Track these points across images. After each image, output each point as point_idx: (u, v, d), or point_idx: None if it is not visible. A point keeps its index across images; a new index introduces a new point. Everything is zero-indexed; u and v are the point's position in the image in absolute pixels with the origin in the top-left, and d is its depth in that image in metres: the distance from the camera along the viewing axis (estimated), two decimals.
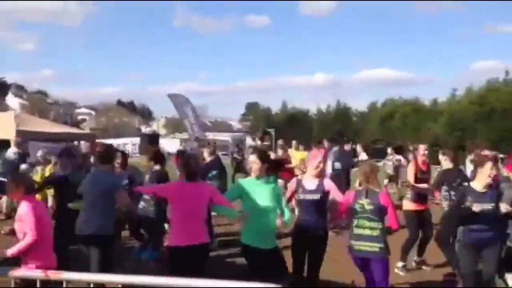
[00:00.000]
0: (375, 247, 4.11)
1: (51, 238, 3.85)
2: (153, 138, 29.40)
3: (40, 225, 3.64)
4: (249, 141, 38.38)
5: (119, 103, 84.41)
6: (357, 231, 4.18)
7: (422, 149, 6.33)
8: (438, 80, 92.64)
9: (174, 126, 53.57)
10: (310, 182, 4.49)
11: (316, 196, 4.40)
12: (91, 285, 2.49)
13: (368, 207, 4.15)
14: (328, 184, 4.53)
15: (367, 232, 4.14)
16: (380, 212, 4.15)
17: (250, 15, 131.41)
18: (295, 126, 36.42)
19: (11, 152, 8.66)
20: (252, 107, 63.67)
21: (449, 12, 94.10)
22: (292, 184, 4.68)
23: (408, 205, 5.99)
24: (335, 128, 35.43)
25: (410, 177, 5.94)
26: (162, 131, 56.97)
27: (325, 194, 4.45)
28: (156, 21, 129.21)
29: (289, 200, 4.73)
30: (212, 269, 4.26)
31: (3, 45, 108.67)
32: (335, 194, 4.50)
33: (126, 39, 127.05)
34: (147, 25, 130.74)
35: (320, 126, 37.37)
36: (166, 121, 66.19)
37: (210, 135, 22.93)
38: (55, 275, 2.41)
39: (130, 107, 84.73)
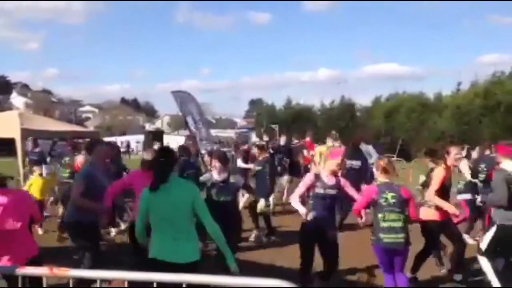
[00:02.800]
0: (401, 238, 4.29)
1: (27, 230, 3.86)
2: (157, 136, 29.44)
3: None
4: (253, 137, 38.37)
5: (123, 101, 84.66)
6: (384, 224, 4.33)
7: (454, 152, 5.22)
8: (442, 73, 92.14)
9: (178, 124, 53.62)
10: (328, 178, 4.69)
11: (334, 192, 4.66)
12: (98, 282, 2.49)
13: (392, 200, 4.35)
14: (343, 181, 4.78)
15: (394, 224, 4.32)
16: (402, 204, 4.36)
17: (251, 12, 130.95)
18: (299, 122, 36.31)
19: None
20: (256, 104, 63.59)
21: (453, 5, 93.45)
22: (309, 179, 4.73)
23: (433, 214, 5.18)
24: (339, 123, 35.31)
25: (436, 185, 5.03)
26: (166, 129, 57.01)
27: (340, 190, 4.74)
28: (158, 18, 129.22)
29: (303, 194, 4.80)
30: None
31: (7, 44, 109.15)
32: (350, 191, 4.79)
33: (129, 37, 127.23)
34: (150, 22, 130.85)
35: (324, 121, 37.24)
36: (170, 119, 66.27)
37: (214, 132, 22.92)
38: (60, 272, 2.40)
39: (134, 105, 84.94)
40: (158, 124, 68.92)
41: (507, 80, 29.76)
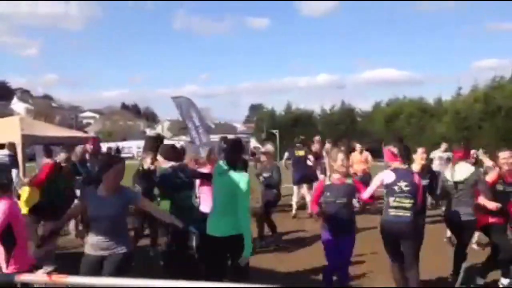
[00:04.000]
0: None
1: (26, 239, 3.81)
2: (157, 141, 29.35)
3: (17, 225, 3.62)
4: (253, 142, 38.35)
5: (124, 106, 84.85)
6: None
7: (507, 157, 5.08)
8: (442, 79, 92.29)
9: (179, 129, 53.63)
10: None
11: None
12: None
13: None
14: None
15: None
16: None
17: (249, 17, 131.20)
18: (299, 127, 36.35)
19: (1, 154, 8.64)
20: (256, 109, 63.67)
21: (452, 11, 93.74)
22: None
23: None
24: (340, 128, 35.34)
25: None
26: (167, 134, 57.06)
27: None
28: (157, 24, 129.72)
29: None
30: None
31: (5, 50, 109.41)
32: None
33: (129, 42, 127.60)
34: (149, 28, 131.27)
35: (324, 126, 37.27)
36: (171, 124, 66.32)
37: (213, 138, 22.94)
38: (59, 279, 2.41)
39: (134, 110, 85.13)
40: (158, 129, 68.98)
41: (507, 84, 29.78)
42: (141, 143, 38.13)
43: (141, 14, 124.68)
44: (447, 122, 30.73)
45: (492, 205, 4.85)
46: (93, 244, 3.71)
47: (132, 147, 41.87)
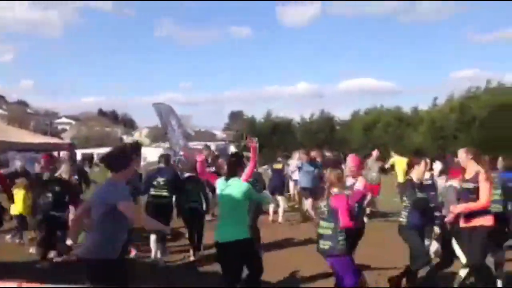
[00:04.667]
0: (326, 245, 4.49)
1: None
2: (135, 148, 28.94)
3: None
4: (232, 150, 38.19)
5: (101, 112, 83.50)
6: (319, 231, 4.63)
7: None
8: (419, 89, 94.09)
9: (158, 136, 53.09)
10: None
11: None
12: None
13: (325, 208, 4.56)
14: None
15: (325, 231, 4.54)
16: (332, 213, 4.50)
17: (231, 26, 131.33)
18: (278, 135, 36.43)
19: None
20: (236, 117, 63.58)
21: (429, 23, 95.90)
22: None
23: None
24: (319, 136, 35.54)
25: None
26: (145, 141, 56.40)
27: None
28: (138, 31, 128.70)
29: None
30: None
31: None
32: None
33: (108, 48, 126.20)
34: (130, 35, 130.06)
35: (303, 135, 37.47)
36: (149, 131, 65.60)
37: (193, 145, 22.76)
38: (31, 286, 2.29)
39: (112, 116, 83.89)
40: (136, 136, 68.13)
41: (482, 95, 30.48)
42: None
43: (122, 21, 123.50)
44: (423, 131, 31.24)
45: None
46: None
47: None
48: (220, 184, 4.50)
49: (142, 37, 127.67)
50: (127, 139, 59.99)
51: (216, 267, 5.39)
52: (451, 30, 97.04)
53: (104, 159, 3.94)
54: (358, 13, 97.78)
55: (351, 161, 5.58)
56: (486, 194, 4.83)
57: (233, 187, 4.35)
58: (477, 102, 29.59)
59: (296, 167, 10.90)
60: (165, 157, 7.66)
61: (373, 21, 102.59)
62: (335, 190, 4.58)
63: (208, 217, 8.09)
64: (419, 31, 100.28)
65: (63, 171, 7.25)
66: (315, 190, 9.65)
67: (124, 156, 3.84)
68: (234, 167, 4.51)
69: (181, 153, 11.74)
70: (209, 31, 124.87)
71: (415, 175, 5.16)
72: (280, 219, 10.38)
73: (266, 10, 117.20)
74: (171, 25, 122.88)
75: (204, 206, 7.10)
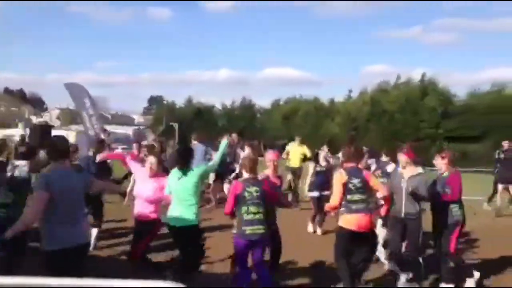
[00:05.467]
0: (261, 229, 4.45)
1: None
2: (45, 130, 27.17)
3: None
4: (150, 134, 37.23)
5: (7, 91, 77.01)
6: (247, 217, 4.46)
7: None
8: (336, 80, 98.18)
9: (70, 117, 50.19)
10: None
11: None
12: None
13: (255, 193, 4.49)
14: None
15: (256, 216, 4.46)
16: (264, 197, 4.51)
17: (150, 7, 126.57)
18: (200, 121, 36.17)
19: None
20: (155, 101, 62.02)
21: (347, 17, 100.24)
22: None
23: None
24: (240, 124, 35.82)
25: None
26: (55, 123, 53.08)
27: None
28: (51, 6, 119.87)
29: None
30: None
31: None
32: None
33: (17, 23, 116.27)
34: (41, 8, 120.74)
35: (225, 121, 37.58)
36: (61, 112, 61.83)
37: (110, 128, 21.81)
38: None
39: (19, 95, 77.73)
40: (46, 117, 63.88)
41: (392, 90, 32.59)
42: (26, 131, 35.04)
43: None
44: (339, 122, 32.75)
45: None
46: None
47: (16, 136, 38.22)
48: (176, 175, 4.75)
49: (55, 11, 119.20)
50: (36, 120, 56.00)
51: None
52: (366, 26, 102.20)
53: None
54: (278, 4, 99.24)
55: (270, 154, 5.59)
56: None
57: (188, 177, 4.71)
58: (387, 96, 31.61)
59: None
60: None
61: (296, 11, 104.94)
62: (245, 174, 4.64)
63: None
64: (336, 25, 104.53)
65: None
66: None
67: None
68: (184, 160, 4.81)
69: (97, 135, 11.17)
70: (127, 10, 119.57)
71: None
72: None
73: None
74: (88, 1, 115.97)
75: None
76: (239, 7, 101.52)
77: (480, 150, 26.96)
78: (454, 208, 5.03)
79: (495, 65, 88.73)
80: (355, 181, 4.65)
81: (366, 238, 4.68)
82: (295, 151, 11.13)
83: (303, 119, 35.00)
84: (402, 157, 5.14)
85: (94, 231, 6.75)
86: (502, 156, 10.78)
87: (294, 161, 10.92)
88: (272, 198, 4.65)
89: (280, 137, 32.80)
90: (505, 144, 10.86)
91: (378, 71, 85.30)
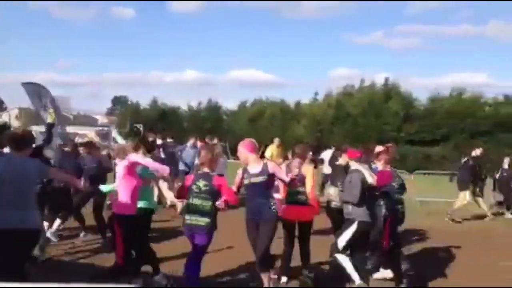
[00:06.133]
0: (199, 221, 4.67)
1: None
2: (3, 131, 26.22)
3: None
4: (115, 136, 36.40)
5: None
6: (190, 207, 4.74)
7: None
8: (302, 83, 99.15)
9: (30, 118, 48.50)
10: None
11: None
12: None
13: (203, 188, 4.70)
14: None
15: (198, 208, 4.70)
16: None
17: (114, 6, 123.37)
18: (165, 122, 35.74)
19: None
20: (119, 102, 60.89)
21: (313, 22, 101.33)
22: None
23: None
24: (206, 126, 35.61)
25: None
26: (14, 123, 51.19)
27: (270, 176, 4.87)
28: (10, 4, 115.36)
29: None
30: None
31: None
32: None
33: None
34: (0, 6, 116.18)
35: (191, 123, 37.29)
36: (20, 112, 59.66)
37: (72, 129, 21.21)
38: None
39: None
40: (5, 117, 61.50)
41: (356, 93, 33.24)
42: None
43: None
44: (304, 124, 33.08)
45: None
46: None
47: None
48: None
49: (14, 9, 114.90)
50: None
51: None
52: (331, 29, 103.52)
53: None
54: (243, 5, 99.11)
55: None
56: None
57: None
58: (351, 100, 32.20)
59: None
60: None
61: (258, 15, 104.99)
62: (205, 169, 4.82)
63: None
64: (303, 28, 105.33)
65: None
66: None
67: None
68: None
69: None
70: (90, 9, 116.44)
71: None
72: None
73: None
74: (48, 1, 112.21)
75: None
76: (205, 8, 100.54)
77: (440, 153, 27.85)
78: (381, 203, 5.43)
79: (456, 70, 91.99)
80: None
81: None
82: (277, 153, 11.69)
83: (269, 121, 35.17)
84: (344, 156, 5.84)
85: (57, 222, 6.61)
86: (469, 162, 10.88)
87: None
88: (227, 196, 4.72)
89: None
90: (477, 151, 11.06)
91: (343, 75, 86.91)
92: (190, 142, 11.50)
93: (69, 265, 5.96)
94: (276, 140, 12.50)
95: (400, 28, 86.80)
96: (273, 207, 4.77)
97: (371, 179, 5.13)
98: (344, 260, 5.11)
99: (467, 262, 6.76)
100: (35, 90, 11.31)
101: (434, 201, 12.89)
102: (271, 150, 12.12)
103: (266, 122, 35.33)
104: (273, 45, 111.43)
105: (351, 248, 5.22)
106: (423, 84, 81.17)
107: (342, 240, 5.16)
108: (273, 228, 4.75)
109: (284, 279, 5.48)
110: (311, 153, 6.83)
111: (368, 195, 5.16)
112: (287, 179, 4.95)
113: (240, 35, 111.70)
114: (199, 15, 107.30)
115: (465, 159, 11.02)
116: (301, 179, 5.30)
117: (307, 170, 5.40)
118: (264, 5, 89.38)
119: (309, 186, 5.35)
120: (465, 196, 10.53)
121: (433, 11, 76.22)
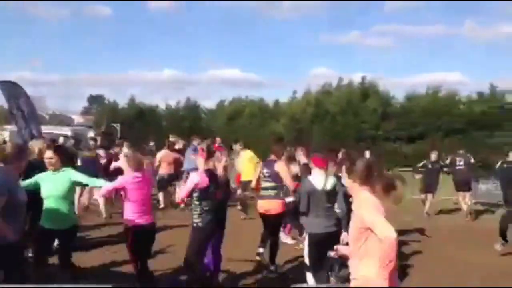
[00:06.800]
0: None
1: None
2: None
3: None
4: (91, 135, 35.81)
5: None
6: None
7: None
8: (281, 82, 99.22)
9: (2, 118, 47.31)
10: None
11: None
12: None
13: None
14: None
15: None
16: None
17: (89, 5, 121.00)
18: (143, 122, 35.36)
19: None
20: (96, 100, 59.86)
21: (292, 21, 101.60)
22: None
23: None
24: (184, 125, 35.36)
25: None
26: None
27: None
28: None
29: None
30: None
31: None
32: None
33: None
34: None
35: (169, 122, 36.97)
36: None
37: (47, 129, 20.79)
38: None
39: None
40: None
41: (334, 92, 33.51)
42: None
43: None
44: (283, 123, 33.17)
45: None
46: None
47: None
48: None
49: None
50: None
51: None
52: (310, 29, 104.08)
53: None
54: (223, 4, 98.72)
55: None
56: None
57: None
58: (330, 98, 32.44)
59: None
60: None
61: (237, 14, 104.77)
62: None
63: None
64: (281, 27, 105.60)
65: None
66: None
67: None
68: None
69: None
70: (65, 7, 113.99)
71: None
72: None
73: None
74: None
75: None
76: (183, 6, 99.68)
77: (416, 150, 28.35)
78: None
79: (431, 69, 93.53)
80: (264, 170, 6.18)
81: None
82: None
83: (248, 120, 35.15)
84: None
85: None
86: (429, 165, 11.60)
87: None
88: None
89: (225, 138, 32.72)
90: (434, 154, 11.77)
91: (321, 74, 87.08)
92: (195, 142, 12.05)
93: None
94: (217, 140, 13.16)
95: (377, 28, 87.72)
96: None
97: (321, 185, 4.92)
98: (309, 279, 4.88)
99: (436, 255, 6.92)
100: (10, 89, 11.07)
101: (408, 198, 13.20)
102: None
103: (245, 120, 35.30)
104: (252, 44, 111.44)
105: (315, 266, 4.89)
106: (399, 82, 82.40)
107: (305, 255, 5.02)
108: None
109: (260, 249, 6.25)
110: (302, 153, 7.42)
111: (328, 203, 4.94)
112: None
113: (219, 34, 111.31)
114: (177, 14, 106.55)
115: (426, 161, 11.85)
116: (273, 175, 5.75)
117: (280, 167, 5.88)
118: (243, 4, 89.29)
119: (288, 181, 5.79)
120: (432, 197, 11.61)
121: (409, 11, 77.31)
